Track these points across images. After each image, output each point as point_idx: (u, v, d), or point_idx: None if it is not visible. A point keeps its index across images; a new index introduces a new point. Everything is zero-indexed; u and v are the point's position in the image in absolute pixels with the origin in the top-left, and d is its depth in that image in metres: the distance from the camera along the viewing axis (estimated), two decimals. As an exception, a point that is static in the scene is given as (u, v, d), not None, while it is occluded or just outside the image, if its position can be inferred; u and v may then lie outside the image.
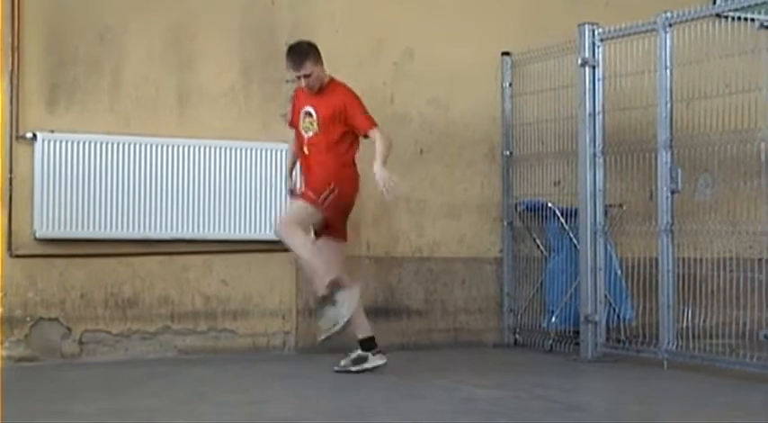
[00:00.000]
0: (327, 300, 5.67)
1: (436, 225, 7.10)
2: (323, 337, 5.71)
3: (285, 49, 6.47)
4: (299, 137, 5.92)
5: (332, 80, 5.89)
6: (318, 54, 5.82)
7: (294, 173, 6.11)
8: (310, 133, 5.83)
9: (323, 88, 5.84)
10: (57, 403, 4.94)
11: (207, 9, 6.55)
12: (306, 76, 5.78)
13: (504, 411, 4.89)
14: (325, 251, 5.80)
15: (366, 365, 5.76)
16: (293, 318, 6.66)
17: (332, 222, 5.85)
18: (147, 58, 6.40)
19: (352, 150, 5.86)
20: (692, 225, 6.22)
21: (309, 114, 5.83)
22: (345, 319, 5.64)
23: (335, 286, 5.65)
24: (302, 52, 5.82)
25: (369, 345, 5.81)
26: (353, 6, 6.91)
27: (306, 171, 5.92)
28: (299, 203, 5.79)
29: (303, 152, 5.88)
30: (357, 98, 5.86)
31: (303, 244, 5.69)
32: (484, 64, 7.19)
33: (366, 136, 5.83)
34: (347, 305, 5.65)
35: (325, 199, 5.72)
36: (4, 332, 6.05)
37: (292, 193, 6.03)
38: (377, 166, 5.67)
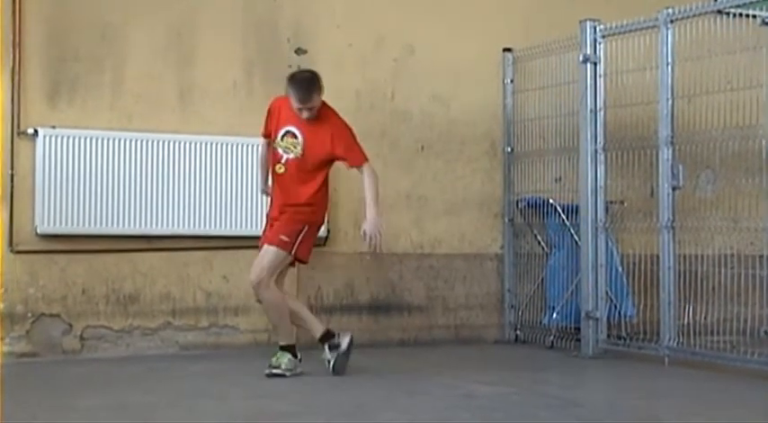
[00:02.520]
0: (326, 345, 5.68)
1: (437, 221, 7.10)
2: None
3: (287, 45, 6.50)
4: (274, 153, 5.64)
5: (323, 104, 5.61)
6: (322, 83, 5.56)
7: (268, 181, 5.85)
8: (291, 155, 5.55)
9: (318, 113, 5.58)
10: (58, 399, 4.95)
11: (208, 5, 6.55)
12: (310, 109, 5.52)
13: (505, 408, 4.90)
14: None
15: (297, 370, 5.61)
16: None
17: (307, 252, 5.69)
18: (148, 54, 6.40)
19: (327, 173, 5.65)
20: (693, 222, 6.22)
21: (294, 135, 5.56)
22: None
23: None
24: (311, 84, 5.53)
25: (292, 350, 5.65)
26: (354, 2, 6.91)
27: (279, 192, 5.65)
28: (273, 252, 5.52)
29: (275, 170, 5.63)
30: (348, 128, 5.63)
31: (276, 303, 5.58)
32: (485, 60, 7.18)
33: (356, 167, 5.62)
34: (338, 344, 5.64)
35: (300, 240, 5.56)
36: (5, 328, 6.05)
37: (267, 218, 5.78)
38: (370, 215, 5.51)
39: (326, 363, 5.66)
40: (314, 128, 5.55)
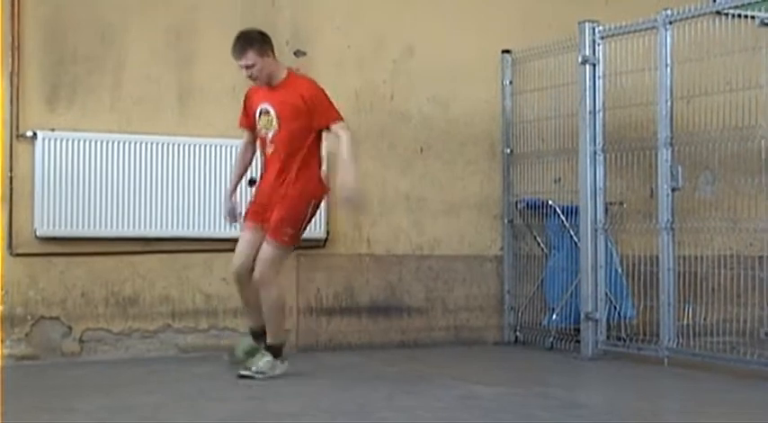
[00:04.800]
0: (262, 345, 5.57)
1: (436, 223, 7.10)
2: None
3: (286, 47, 6.49)
4: (260, 140, 5.60)
5: (291, 73, 5.54)
6: (266, 45, 5.45)
7: (236, 190, 5.77)
8: (270, 132, 5.48)
9: (280, 83, 5.49)
10: (58, 401, 4.94)
11: (208, 7, 6.55)
12: (248, 67, 5.43)
13: (505, 409, 4.90)
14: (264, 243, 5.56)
15: (276, 372, 5.51)
16: (294, 316, 6.65)
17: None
18: (147, 56, 6.40)
19: (314, 140, 5.49)
20: (693, 222, 6.22)
21: (266, 112, 5.49)
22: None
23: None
24: (246, 40, 5.43)
25: (276, 351, 5.56)
26: (354, 4, 6.91)
27: (273, 174, 5.51)
28: (278, 249, 5.41)
29: (266, 153, 5.54)
30: (319, 90, 5.49)
31: (277, 301, 5.49)
32: (484, 61, 7.19)
33: (327, 129, 5.45)
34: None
35: (304, 225, 5.48)
36: (5, 331, 6.05)
37: (251, 212, 5.60)
38: (349, 179, 5.32)
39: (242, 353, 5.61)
40: (282, 96, 5.46)
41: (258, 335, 5.66)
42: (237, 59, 5.47)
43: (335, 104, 5.53)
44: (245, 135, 5.76)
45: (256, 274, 5.46)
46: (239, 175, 5.81)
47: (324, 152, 5.64)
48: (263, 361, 5.49)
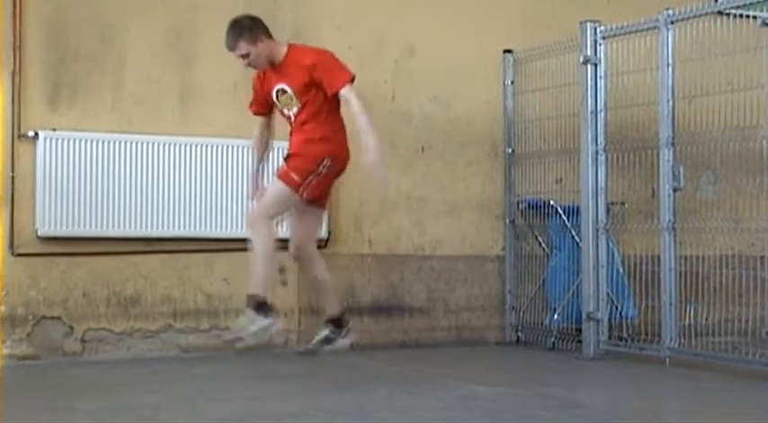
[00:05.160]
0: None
1: (438, 223, 7.10)
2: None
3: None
4: (286, 119, 5.45)
5: (291, 48, 5.38)
6: (256, 30, 5.30)
7: (261, 172, 5.62)
8: (294, 110, 5.34)
9: (283, 61, 5.35)
10: (59, 401, 4.95)
11: (208, 6, 6.55)
12: (243, 57, 5.34)
13: (506, 409, 4.89)
14: (307, 217, 5.41)
15: (256, 326, 5.17)
16: (295, 316, 6.66)
17: (320, 194, 5.37)
18: (148, 56, 6.40)
19: (335, 107, 5.32)
20: (695, 222, 6.22)
21: (284, 91, 5.37)
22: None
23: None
24: (236, 31, 5.31)
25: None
26: (354, 4, 6.91)
27: (298, 143, 5.35)
28: (279, 188, 5.23)
29: (293, 130, 5.38)
30: (323, 54, 5.33)
31: (263, 246, 5.15)
32: (486, 61, 7.19)
33: (336, 93, 5.22)
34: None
35: (310, 180, 5.25)
36: (6, 331, 6.05)
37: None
38: (371, 142, 5.07)
39: (315, 339, 5.45)
40: (291, 73, 5.33)
41: (333, 320, 5.49)
42: (230, 50, 5.39)
43: (343, 64, 5.31)
44: (260, 120, 5.61)
45: (254, 208, 5.32)
46: (261, 156, 5.64)
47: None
48: (244, 319, 5.19)
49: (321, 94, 5.31)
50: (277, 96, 5.44)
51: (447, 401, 5.03)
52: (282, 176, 5.28)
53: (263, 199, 5.35)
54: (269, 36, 5.39)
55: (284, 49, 5.40)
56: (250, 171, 5.80)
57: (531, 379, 5.78)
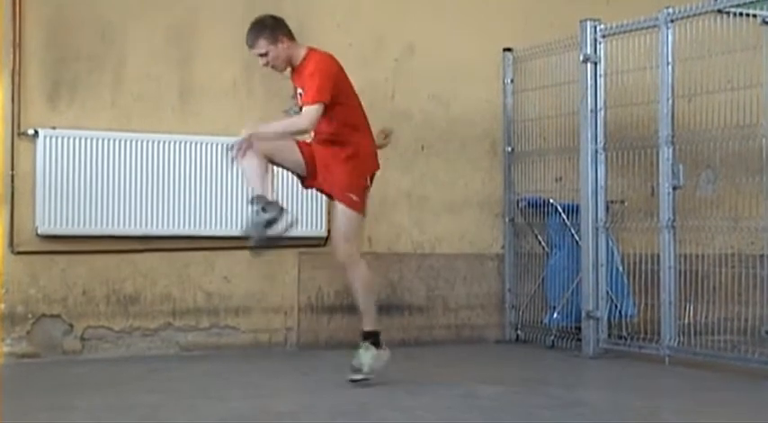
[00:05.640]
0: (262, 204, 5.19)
1: (438, 221, 7.10)
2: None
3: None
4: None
5: (309, 52, 5.34)
6: (278, 30, 5.29)
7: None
8: None
9: (300, 64, 5.32)
10: (59, 399, 4.95)
11: (208, 4, 6.55)
12: (261, 56, 5.32)
13: (506, 407, 4.90)
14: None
15: (383, 362, 5.31)
16: (295, 314, 6.67)
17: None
18: (148, 54, 6.40)
19: (347, 109, 5.32)
20: (694, 221, 6.22)
21: (299, 94, 5.39)
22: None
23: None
24: (257, 29, 5.30)
25: (377, 340, 5.38)
26: (355, 2, 6.91)
27: (320, 147, 5.34)
28: (350, 217, 5.23)
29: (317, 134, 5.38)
30: (319, 67, 5.25)
31: (368, 283, 5.32)
32: (485, 60, 7.18)
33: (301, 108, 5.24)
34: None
35: (366, 197, 5.32)
36: (6, 329, 6.05)
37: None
38: (251, 125, 5.21)
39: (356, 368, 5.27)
40: (303, 77, 5.31)
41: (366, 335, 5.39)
42: (250, 49, 5.36)
43: (322, 86, 5.22)
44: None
45: (339, 253, 5.28)
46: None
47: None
48: (369, 356, 5.24)
49: (329, 106, 5.25)
50: (295, 97, 5.44)
51: (447, 400, 5.04)
52: (345, 201, 5.26)
53: (341, 238, 5.26)
54: (291, 38, 5.37)
55: (303, 52, 5.38)
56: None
57: (531, 378, 5.78)
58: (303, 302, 6.68)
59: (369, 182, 5.41)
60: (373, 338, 5.33)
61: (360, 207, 5.29)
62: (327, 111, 5.25)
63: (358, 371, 5.24)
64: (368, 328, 5.36)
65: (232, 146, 5.17)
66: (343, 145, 5.34)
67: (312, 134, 5.45)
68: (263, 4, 6.65)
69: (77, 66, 6.25)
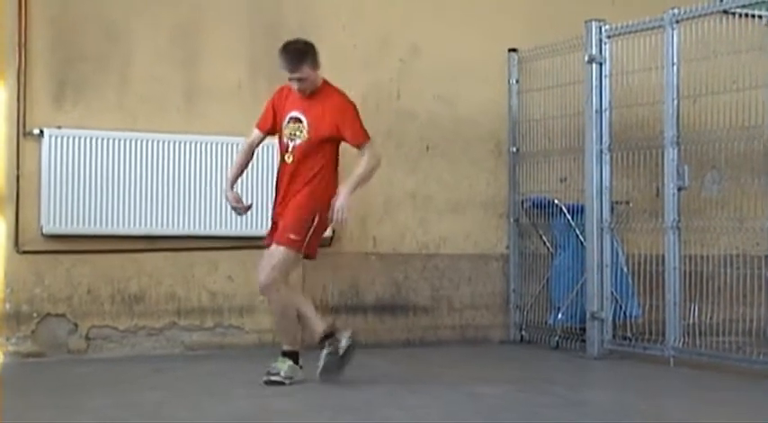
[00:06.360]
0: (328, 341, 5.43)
1: (442, 221, 7.10)
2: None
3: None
4: (280, 146, 5.52)
5: (325, 83, 5.49)
6: (316, 57, 5.42)
7: (237, 182, 5.63)
8: (297, 141, 5.40)
9: (315, 92, 5.44)
10: (64, 398, 4.96)
11: (213, 5, 6.56)
12: (299, 80, 5.39)
13: (510, 407, 4.90)
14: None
15: (297, 377, 5.41)
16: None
17: (314, 243, 5.50)
18: (153, 54, 6.41)
19: (333, 154, 5.48)
20: (699, 222, 6.21)
21: (298, 120, 5.42)
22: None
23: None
24: (300, 54, 5.38)
25: (295, 358, 5.46)
26: (360, 3, 6.91)
27: (285, 183, 5.47)
28: (282, 252, 5.33)
29: (284, 160, 5.46)
30: (353, 106, 5.48)
31: (284, 309, 5.40)
32: (490, 60, 7.18)
33: (357, 147, 5.44)
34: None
35: (309, 234, 5.37)
36: (11, 328, 6.06)
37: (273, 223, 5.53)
38: (343, 191, 5.33)
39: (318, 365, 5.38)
40: (316, 108, 5.41)
41: (323, 337, 5.45)
42: (291, 73, 5.40)
43: (361, 124, 5.48)
44: (257, 136, 5.63)
45: (261, 277, 5.39)
46: (240, 171, 5.66)
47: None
48: (287, 366, 5.36)
49: (330, 142, 5.41)
50: (288, 122, 5.47)
51: (451, 400, 5.04)
52: (282, 241, 5.36)
53: (269, 266, 5.36)
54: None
55: (320, 82, 5.48)
56: (227, 181, 5.70)
57: (535, 378, 5.78)
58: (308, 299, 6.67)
59: (317, 218, 5.41)
60: (291, 358, 5.43)
61: (297, 245, 5.37)
62: (327, 146, 5.44)
63: (276, 374, 5.35)
64: (285, 348, 5.47)
65: (340, 212, 5.34)
66: (307, 183, 5.44)
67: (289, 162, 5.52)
68: (268, 6, 6.69)
69: (83, 66, 6.26)
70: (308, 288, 6.66)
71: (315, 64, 5.42)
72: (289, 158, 5.46)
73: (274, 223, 5.54)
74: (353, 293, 6.83)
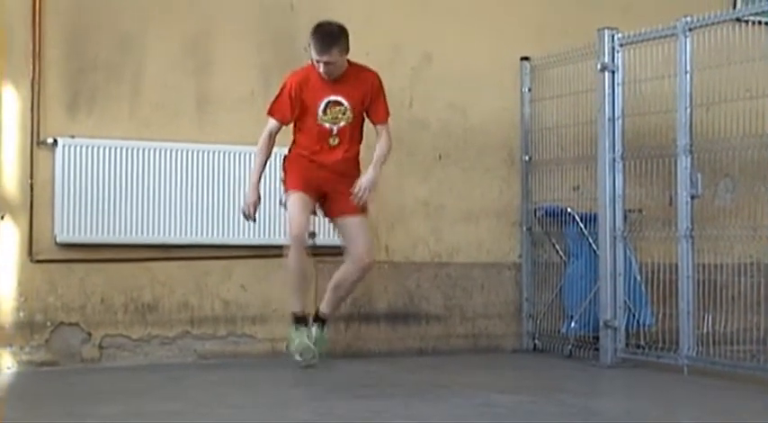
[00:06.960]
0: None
1: (455, 230, 7.09)
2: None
3: (305, 54, 6.47)
4: (320, 130, 5.71)
5: (351, 63, 5.64)
6: (348, 42, 5.58)
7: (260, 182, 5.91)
8: (342, 123, 5.66)
9: (344, 74, 5.56)
10: (77, 407, 4.96)
11: (226, 14, 6.57)
12: (326, 64, 5.46)
13: (523, 416, 4.88)
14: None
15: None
16: (311, 323, 6.65)
17: None
18: (166, 63, 6.43)
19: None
20: (713, 230, 6.19)
21: (339, 103, 5.60)
22: None
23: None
24: (331, 37, 5.48)
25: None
26: (371, 11, 6.92)
27: (336, 165, 5.78)
28: (366, 222, 5.82)
29: (328, 144, 5.72)
30: (379, 79, 5.82)
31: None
32: (503, 69, 7.18)
33: (381, 124, 5.78)
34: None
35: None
36: (24, 337, 6.08)
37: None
38: (372, 170, 5.64)
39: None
40: (353, 88, 5.57)
41: (301, 318, 5.81)
42: (320, 55, 5.44)
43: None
44: (272, 128, 5.80)
45: (369, 257, 5.78)
46: (264, 165, 5.87)
47: None
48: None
49: (362, 119, 5.68)
50: (325, 107, 5.53)
51: (463, 409, 5.02)
52: (361, 210, 5.74)
53: (370, 243, 5.80)
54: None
55: (345, 64, 5.57)
56: (250, 180, 5.94)
57: (548, 387, 5.76)
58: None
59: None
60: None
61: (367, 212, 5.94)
62: (360, 125, 5.74)
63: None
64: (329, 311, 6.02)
65: (366, 191, 5.62)
66: (356, 161, 5.81)
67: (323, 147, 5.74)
68: (280, 14, 6.70)
69: (96, 75, 6.28)
70: (321, 297, 6.65)
71: (345, 49, 5.45)
72: (334, 141, 5.67)
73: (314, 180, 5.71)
74: (366, 302, 6.83)
